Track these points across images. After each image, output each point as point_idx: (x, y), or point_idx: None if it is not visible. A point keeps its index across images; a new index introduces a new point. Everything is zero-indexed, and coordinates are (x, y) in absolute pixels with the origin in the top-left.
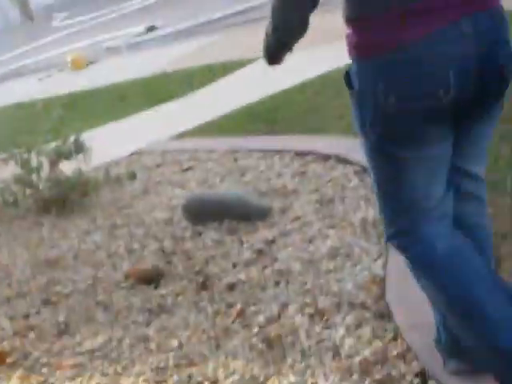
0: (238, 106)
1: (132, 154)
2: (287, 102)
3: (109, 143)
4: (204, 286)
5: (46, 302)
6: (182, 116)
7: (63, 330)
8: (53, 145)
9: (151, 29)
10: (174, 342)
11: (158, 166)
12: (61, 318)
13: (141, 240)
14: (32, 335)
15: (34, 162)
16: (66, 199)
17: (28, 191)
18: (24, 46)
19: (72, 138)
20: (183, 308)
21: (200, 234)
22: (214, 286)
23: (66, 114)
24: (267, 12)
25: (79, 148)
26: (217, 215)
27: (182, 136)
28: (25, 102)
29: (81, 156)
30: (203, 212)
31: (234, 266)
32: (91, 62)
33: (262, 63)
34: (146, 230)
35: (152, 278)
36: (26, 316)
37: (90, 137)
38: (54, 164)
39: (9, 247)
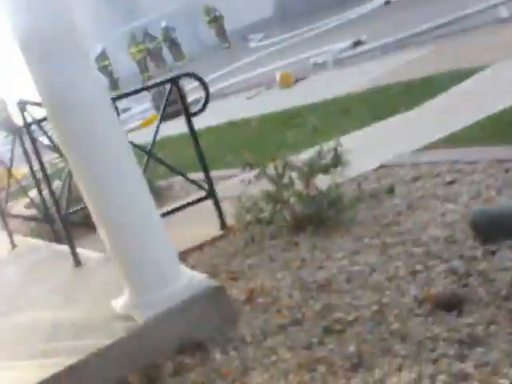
0: (482, 115)
1: (379, 168)
2: None
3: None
4: None
5: (328, 331)
6: (418, 128)
7: (357, 364)
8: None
9: (358, 43)
10: (503, 382)
11: (415, 179)
12: (350, 349)
13: (422, 260)
14: (321, 369)
15: (285, 178)
16: (320, 216)
17: (278, 208)
18: (225, 67)
19: (329, 151)
20: (500, 340)
21: (493, 254)
22: None
23: (288, 129)
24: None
25: (337, 161)
26: (510, 232)
27: (426, 148)
28: (237, 120)
29: (337, 170)
30: (493, 229)
31: None
32: (300, 79)
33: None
34: (425, 249)
35: (452, 305)
36: (308, 346)
37: None
38: (307, 179)
39: (267, 269)
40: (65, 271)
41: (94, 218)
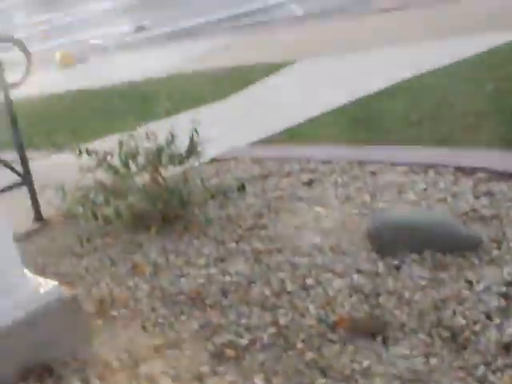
0: (316, 111)
1: (213, 161)
2: (377, 106)
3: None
4: (459, 344)
5: (220, 357)
6: (238, 120)
7: None
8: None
9: (140, 28)
10: None
11: (264, 177)
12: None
13: (311, 274)
14: None
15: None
16: (166, 214)
17: (114, 202)
18: None
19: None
20: (449, 376)
21: (398, 269)
22: (474, 344)
23: (81, 112)
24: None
25: (192, 151)
26: (412, 244)
27: (258, 143)
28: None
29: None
30: (395, 239)
31: (488, 316)
32: (81, 60)
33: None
34: (310, 259)
35: (373, 330)
36: (199, 378)
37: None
38: (154, 170)
39: (111, 273)
40: None
41: None
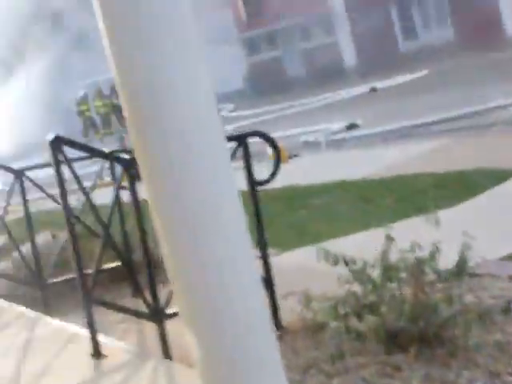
0: None
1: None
2: None
3: None
4: None
5: None
6: (481, 231)
7: None
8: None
9: (352, 127)
10: None
11: None
12: None
13: None
14: None
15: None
16: (426, 335)
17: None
18: None
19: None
20: None
21: None
22: None
23: (298, 211)
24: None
25: (463, 267)
26: None
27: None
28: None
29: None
30: None
31: None
32: (293, 156)
33: None
34: None
35: None
36: None
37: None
38: (418, 285)
39: None
40: (80, 366)
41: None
